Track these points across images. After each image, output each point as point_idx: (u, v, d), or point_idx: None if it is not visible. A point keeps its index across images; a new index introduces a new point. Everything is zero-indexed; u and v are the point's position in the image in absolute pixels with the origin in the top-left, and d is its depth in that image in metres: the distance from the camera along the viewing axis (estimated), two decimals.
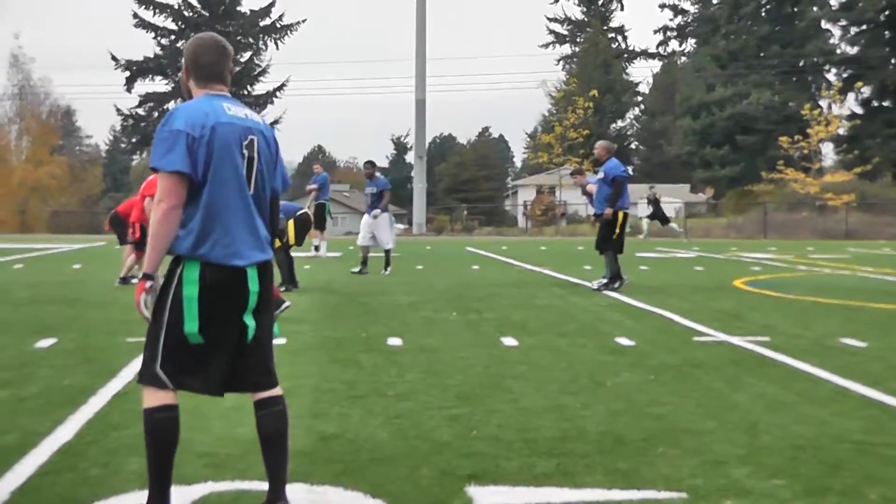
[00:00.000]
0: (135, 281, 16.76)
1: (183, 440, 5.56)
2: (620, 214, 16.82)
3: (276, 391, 4.76)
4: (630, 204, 17.59)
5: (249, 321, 4.58)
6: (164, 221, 4.43)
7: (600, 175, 17.24)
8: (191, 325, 4.42)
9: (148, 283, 4.53)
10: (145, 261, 4.58)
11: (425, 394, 7.70)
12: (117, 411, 6.90)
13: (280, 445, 4.71)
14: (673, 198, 79.19)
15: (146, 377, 4.50)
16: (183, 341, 4.44)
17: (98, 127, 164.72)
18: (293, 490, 4.96)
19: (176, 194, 4.44)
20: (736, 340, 10.75)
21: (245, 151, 4.64)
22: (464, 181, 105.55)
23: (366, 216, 20.76)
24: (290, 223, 16.67)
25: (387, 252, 20.92)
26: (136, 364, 8.50)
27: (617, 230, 16.83)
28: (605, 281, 17.20)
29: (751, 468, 5.60)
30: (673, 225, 45.12)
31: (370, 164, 21.42)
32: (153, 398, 4.47)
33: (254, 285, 4.57)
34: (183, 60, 4.84)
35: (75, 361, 9.11)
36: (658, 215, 42.70)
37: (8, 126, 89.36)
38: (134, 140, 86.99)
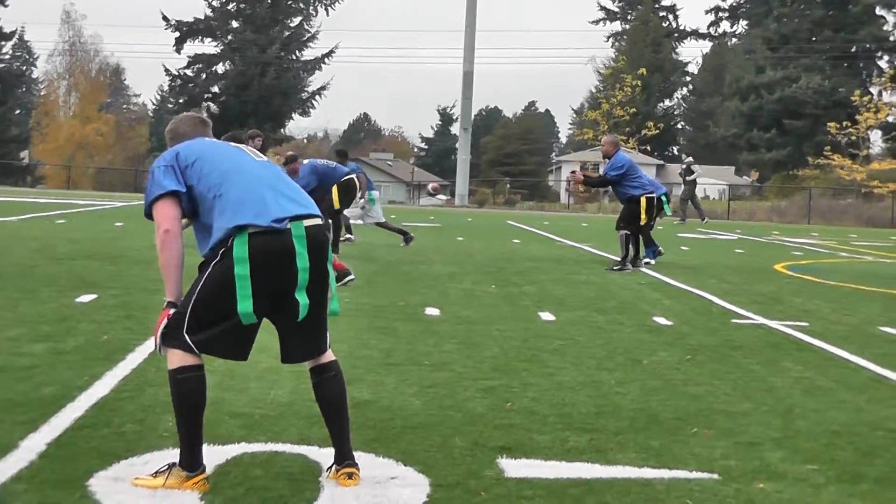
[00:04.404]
0: None
1: (218, 400, 5.60)
2: (643, 200, 16.71)
3: (329, 357, 4.77)
4: (658, 190, 17.35)
5: (302, 299, 4.51)
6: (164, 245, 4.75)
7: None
8: (244, 305, 4.39)
9: (171, 311, 4.54)
10: (166, 288, 4.65)
11: (461, 364, 7.71)
12: (154, 368, 6.93)
13: (339, 409, 4.72)
14: (717, 179, 78.85)
15: (170, 340, 4.48)
16: (212, 311, 4.42)
17: (146, 86, 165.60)
18: (324, 454, 4.97)
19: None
20: (775, 324, 10.69)
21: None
22: (508, 154, 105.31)
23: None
24: (335, 188, 16.70)
25: (382, 225, 20.73)
26: None
27: (643, 216, 16.71)
28: (648, 259, 17.19)
29: (785, 452, 5.57)
30: None
31: (336, 154, 20.73)
32: (178, 359, 4.45)
33: (301, 247, 4.48)
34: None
35: (115, 317, 9.17)
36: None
37: (57, 82, 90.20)
38: (181, 101, 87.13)
